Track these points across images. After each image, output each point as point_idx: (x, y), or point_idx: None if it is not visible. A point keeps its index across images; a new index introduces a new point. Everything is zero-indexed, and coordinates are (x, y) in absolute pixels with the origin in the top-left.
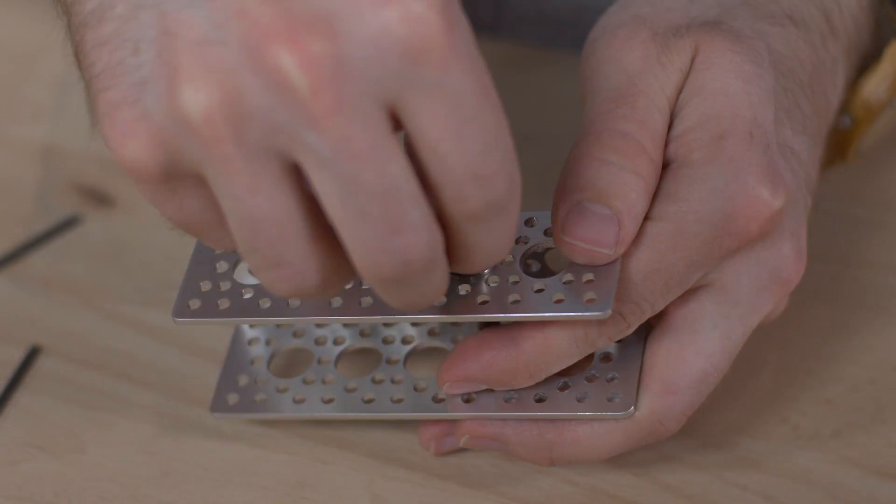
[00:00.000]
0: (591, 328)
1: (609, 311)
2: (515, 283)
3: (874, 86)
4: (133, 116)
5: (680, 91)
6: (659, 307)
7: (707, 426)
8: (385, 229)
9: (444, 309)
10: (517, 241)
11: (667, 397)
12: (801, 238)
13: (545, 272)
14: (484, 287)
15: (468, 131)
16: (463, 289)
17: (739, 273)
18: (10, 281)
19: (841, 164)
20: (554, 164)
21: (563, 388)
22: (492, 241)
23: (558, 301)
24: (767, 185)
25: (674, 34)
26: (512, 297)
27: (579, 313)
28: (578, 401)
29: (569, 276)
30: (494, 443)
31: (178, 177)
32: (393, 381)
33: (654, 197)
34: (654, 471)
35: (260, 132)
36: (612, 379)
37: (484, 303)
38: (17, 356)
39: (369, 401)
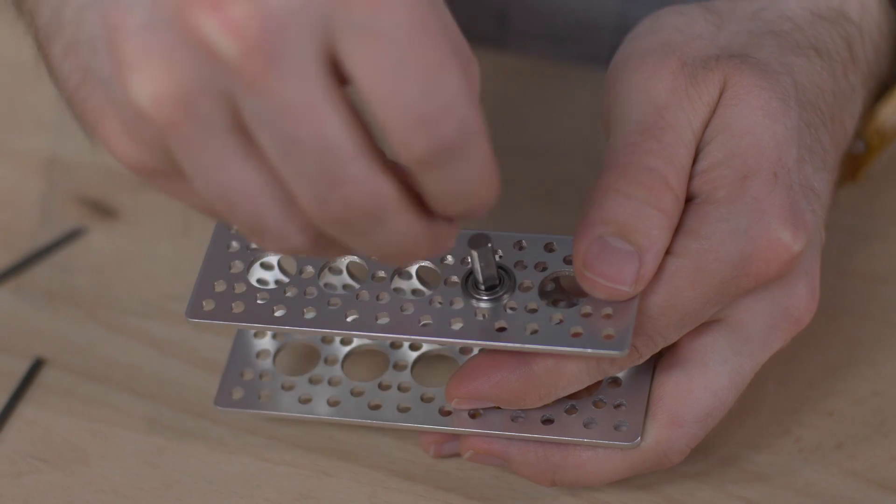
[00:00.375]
0: (604, 358)
1: (626, 351)
2: (533, 310)
3: (890, 113)
4: (111, 118)
5: (706, 125)
6: (672, 340)
7: (710, 439)
8: (323, 185)
9: (460, 333)
10: (536, 267)
11: (673, 429)
12: (814, 276)
13: (560, 293)
14: (502, 311)
15: (404, 72)
16: (480, 313)
17: (753, 311)
18: (14, 293)
19: (850, 184)
20: (559, 177)
21: (571, 411)
22: (456, 188)
23: (576, 335)
24: (789, 227)
25: (703, 66)
26: (530, 327)
27: (597, 350)
28: (585, 426)
29: (587, 309)
30: (498, 460)
31: (172, 165)
32: (400, 389)
33: (676, 231)
34: (657, 483)
35: (209, 107)
36: (620, 405)
37: (501, 329)
38: (20, 368)
39: (375, 407)
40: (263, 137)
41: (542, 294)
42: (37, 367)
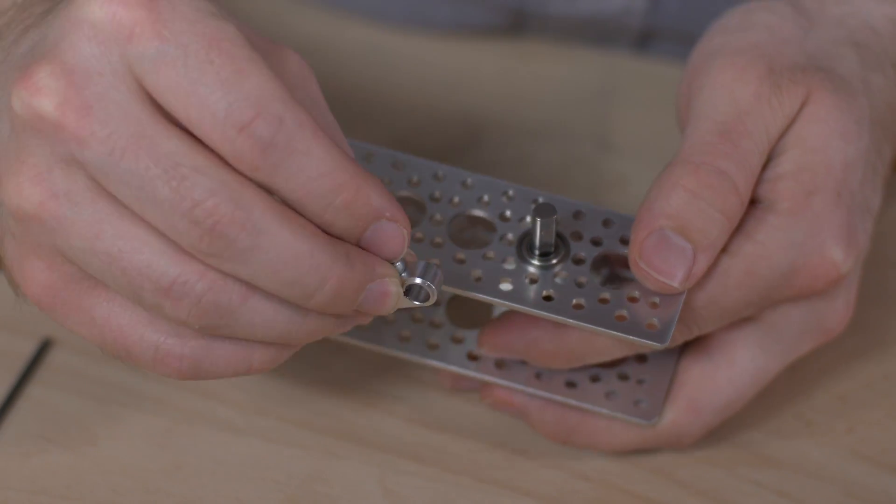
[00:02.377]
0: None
1: (666, 343)
2: (581, 285)
3: None
4: (11, 249)
5: (782, 135)
6: (707, 332)
7: (721, 422)
8: (184, 205)
9: (507, 295)
10: (592, 241)
11: (690, 415)
12: (853, 289)
13: (610, 267)
14: (550, 278)
15: (205, 88)
16: (529, 277)
17: (789, 316)
18: None
19: None
20: (570, 158)
21: (595, 379)
22: (309, 185)
23: (620, 318)
24: (843, 247)
25: (790, 77)
26: (576, 300)
27: (638, 338)
28: (606, 396)
29: (635, 294)
30: (516, 412)
31: (67, 275)
32: (432, 324)
33: (733, 232)
34: (667, 466)
35: (63, 178)
36: (643, 382)
37: (548, 298)
38: (28, 349)
39: (405, 338)
40: (112, 186)
41: (593, 267)
42: (45, 347)
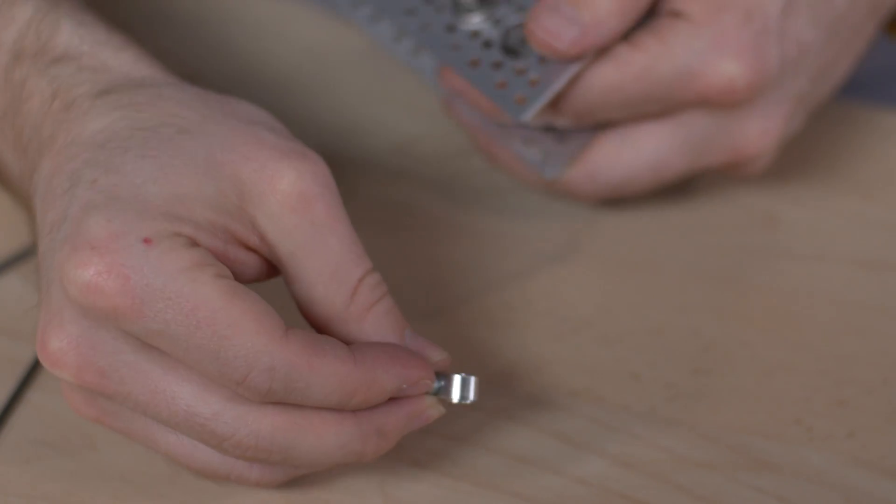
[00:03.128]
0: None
1: (524, 118)
2: (489, 44)
3: None
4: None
5: None
6: (612, 118)
7: (720, 427)
8: (213, 442)
9: (426, 37)
10: (518, 7)
11: (586, 180)
12: (774, 121)
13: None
14: (466, 36)
15: (196, 357)
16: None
17: (698, 121)
18: (22, 279)
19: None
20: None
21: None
22: (320, 402)
23: (500, 84)
24: (741, 64)
25: None
26: (474, 57)
27: (500, 105)
28: (525, 143)
29: (522, 66)
30: (466, 125)
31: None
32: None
33: (641, 28)
34: (666, 471)
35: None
36: (561, 141)
37: (456, 47)
38: (29, 354)
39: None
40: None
41: (508, 35)
42: None
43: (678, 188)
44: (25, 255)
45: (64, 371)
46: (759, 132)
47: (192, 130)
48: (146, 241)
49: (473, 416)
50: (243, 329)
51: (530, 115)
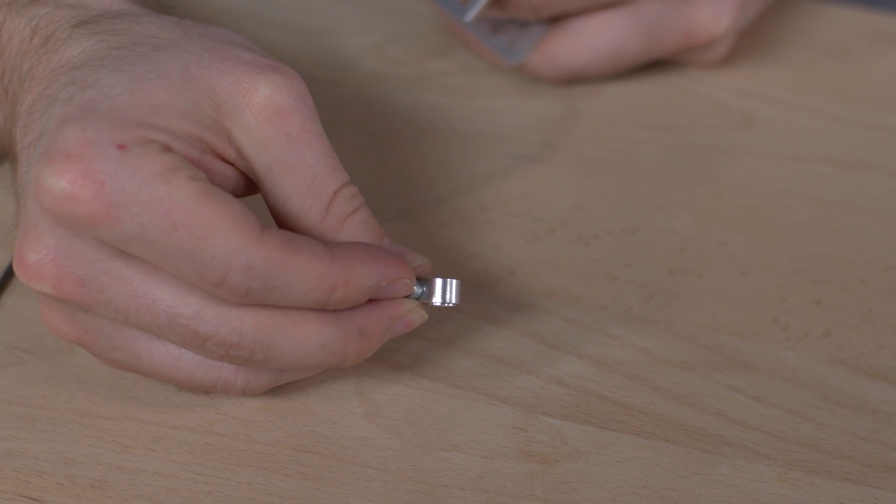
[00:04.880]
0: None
1: (466, 19)
2: None
3: None
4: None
5: None
6: (569, 9)
7: (696, 327)
8: (196, 342)
9: None
10: None
11: (548, 65)
12: (725, 2)
13: None
14: None
15: (174, 260)
16: None
17: (652, 8)
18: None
19: None
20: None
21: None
22: (299, 300)
23: None
24: None
25: None
26: None
27: (448, 9)
28: (493, 30)
29: None
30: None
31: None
32: None
33: None
34: (642, 371)
35: (86, 319)
36: (523, 28)
37: None
38: (4, 259)
39: None
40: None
41: None
42: None
43: (652, 85)
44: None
45: (43, 283)
46: (711, 15)
47: (169, 48)
48: (120, 146)
49: (451, 318)
50: (219, 229)
51: (471, 15)
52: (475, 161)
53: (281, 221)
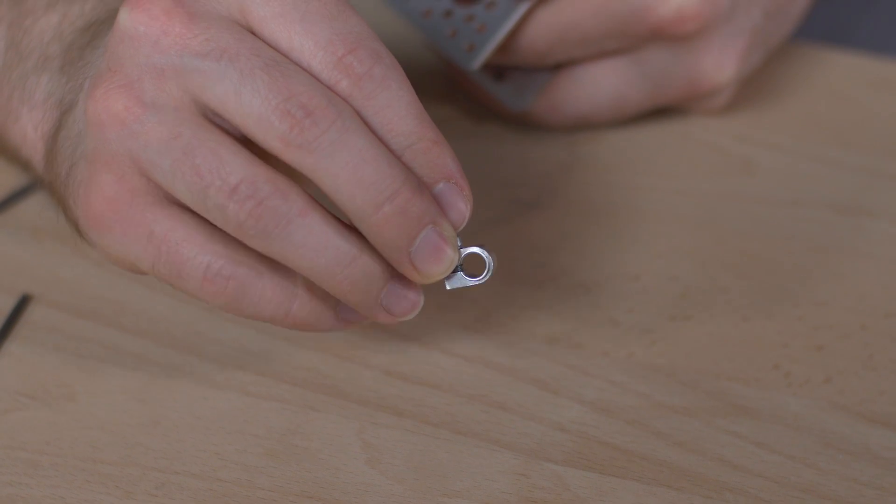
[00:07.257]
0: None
1: (472, 67)
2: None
3: None
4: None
5: None
6: (574, 56)
7: (697, 373)
8: (280, 95)
9: None
10: None
11: (550, 112)
12: (731, 54)
13: None
14: None
15: (311, 18)
16: None
17: (655, 56)
18: (0, 229)
19: None
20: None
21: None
22: (396, 119)
23: (452, 33)
24: None
25: None
26: (426, 8)
27: (452, 57)
28: (496, 78)
29: (471, 13)
30: None
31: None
32: None
33: None
34: (644, 417)
35: (151, 85)
36: (527, 74)
37: None
38: (7, 305)
39: None
40: (210, 87)
41: None
42: (23, 303)
43: (653, 131)
44: (3, 205)
45: (154, 5)
46: (714, 65)
47: None
48: None
49: (451, 362)
50: (360, 16)
51: (478, 63)
52: (476, 206)
53: None
